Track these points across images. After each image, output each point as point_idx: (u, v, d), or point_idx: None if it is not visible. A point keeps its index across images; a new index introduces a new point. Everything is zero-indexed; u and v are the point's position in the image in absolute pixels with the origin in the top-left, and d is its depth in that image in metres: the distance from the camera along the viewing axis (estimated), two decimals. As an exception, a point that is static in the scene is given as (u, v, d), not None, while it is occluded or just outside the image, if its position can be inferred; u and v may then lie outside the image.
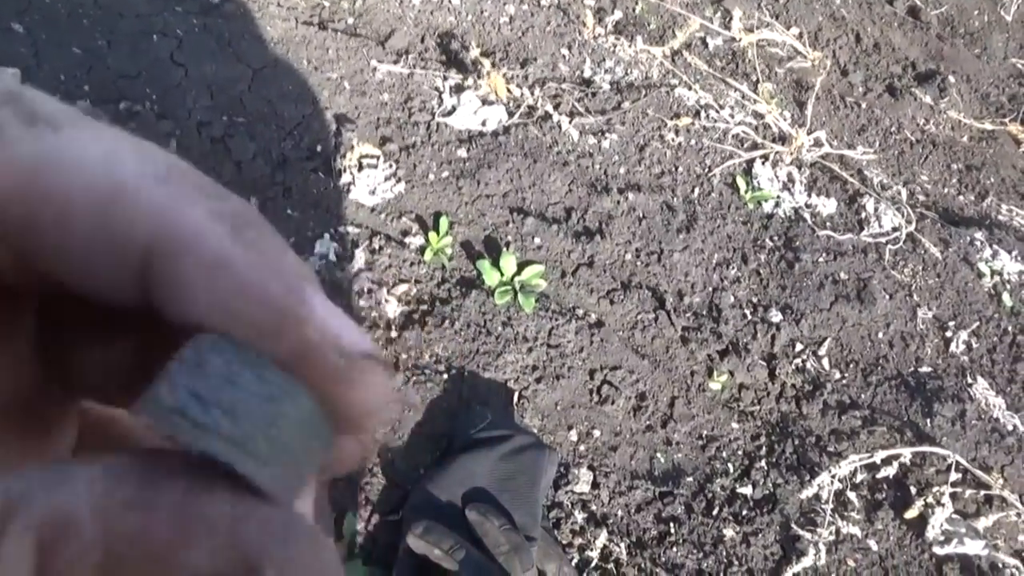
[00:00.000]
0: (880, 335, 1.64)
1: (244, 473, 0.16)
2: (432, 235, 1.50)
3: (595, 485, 1.33)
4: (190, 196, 0.17)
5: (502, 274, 1.48)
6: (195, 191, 0.18)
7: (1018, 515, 1.41)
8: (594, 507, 1.31)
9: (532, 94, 1.80)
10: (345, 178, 1.56)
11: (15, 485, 0.15)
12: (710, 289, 1.62)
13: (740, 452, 1.43)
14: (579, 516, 1.29)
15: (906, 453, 1.45)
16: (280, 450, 0.17)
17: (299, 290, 0.17)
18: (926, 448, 1.46)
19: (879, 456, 1.43)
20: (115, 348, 0.21)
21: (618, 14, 2.10)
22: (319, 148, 1.60)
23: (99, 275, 0.17)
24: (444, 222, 1.53)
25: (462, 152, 1.68)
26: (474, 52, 1.81)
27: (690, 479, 1.38)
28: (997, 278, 1.80)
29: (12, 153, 0.16)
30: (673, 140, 1.85)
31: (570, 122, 1.78)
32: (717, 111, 1.95)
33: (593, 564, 1.24)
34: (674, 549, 1.29)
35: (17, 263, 0.17)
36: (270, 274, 0.17)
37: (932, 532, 1.37)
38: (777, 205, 1.81)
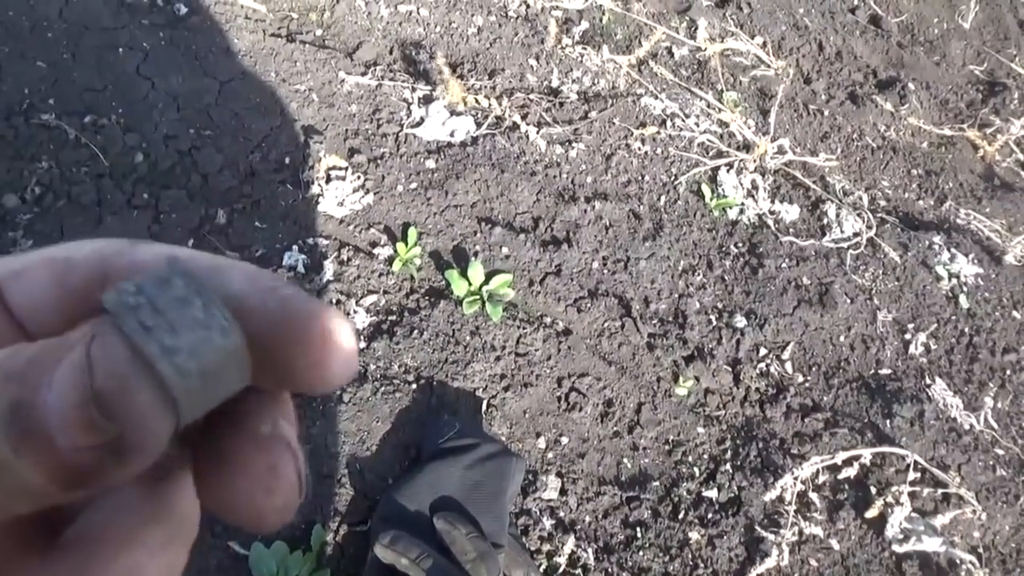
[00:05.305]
0: (841, 338, 1.68)
1: (161, 374, 0.18)
2: (400, 246, 1.51)
3: (563, 491, 1.35)
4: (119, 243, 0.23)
5: (470, 284, 1.49)
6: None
7: (974, 512, 1.45)
8: (562, 513, 1.33)
9: (500, 104, 1.82)
10: (313, 190, 1.57)
11: None
12: (676, 296, 1.65)
13: (705, 456, 1.46)
14: (547, 522, 1.31)
15: (866, 454, 1.48)
16: (198, 370, 0.19)
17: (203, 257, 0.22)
18: (886, 448, 1.50)
19: (840, 457, 1.46)
20: None
21: (584, 24, 2.13)
22: (287, 160, 1.61)
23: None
24: (412, 233, 1.54)
25: (430, 163, 1.69)
26: (440, 63, 1.83)
27: (656, 484, 1.40)
28: (954, 281, 1.84)
29: None
30: (639, 149, 1.88)
31: (538, 132, 1.81)
32: (683, 120, 1.99)
33: (561, 570, 1.26)
34: (641, 553, 1.32)
35: None
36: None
37: (892, 531, 1.41)
38: (741, 212, 1.84)
